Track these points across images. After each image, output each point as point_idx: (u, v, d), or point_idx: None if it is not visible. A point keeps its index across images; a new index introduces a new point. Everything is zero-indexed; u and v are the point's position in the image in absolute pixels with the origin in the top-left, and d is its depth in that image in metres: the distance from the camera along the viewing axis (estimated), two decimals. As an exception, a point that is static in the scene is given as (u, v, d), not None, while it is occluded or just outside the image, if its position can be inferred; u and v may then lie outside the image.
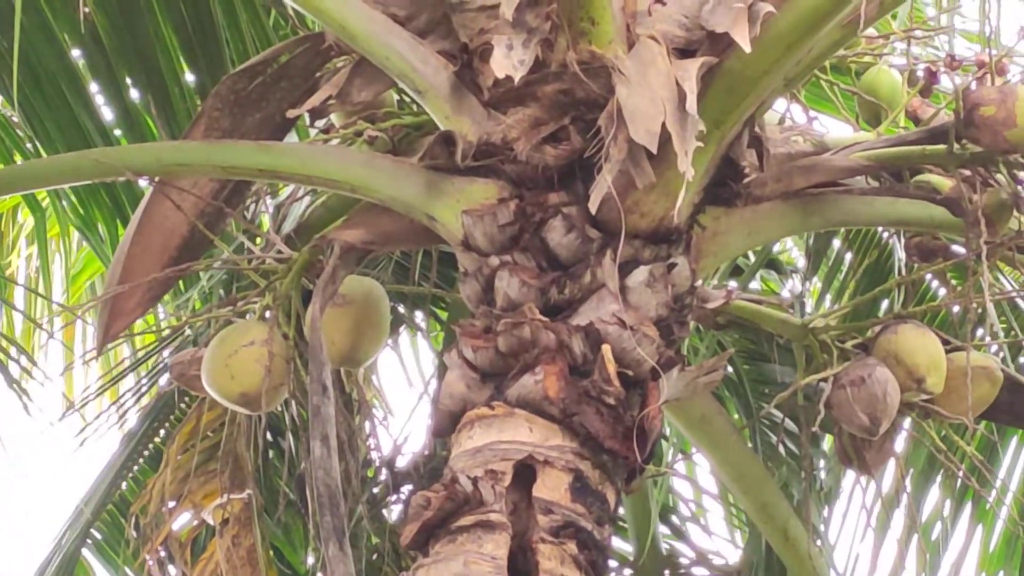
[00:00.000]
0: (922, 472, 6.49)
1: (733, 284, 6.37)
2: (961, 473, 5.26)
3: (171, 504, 5.52)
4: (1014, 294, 5.54)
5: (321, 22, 4.49)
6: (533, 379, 4.06)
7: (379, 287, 4.72)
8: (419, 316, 6.61)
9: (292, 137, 5.15)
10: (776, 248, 6.96)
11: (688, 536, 6.74)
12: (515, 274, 4.19)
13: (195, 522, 5.67)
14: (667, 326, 4.24)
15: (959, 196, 4.51)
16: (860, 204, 4.68)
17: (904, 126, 5.10)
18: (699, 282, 4.44)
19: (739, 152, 4.40)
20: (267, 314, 4.64)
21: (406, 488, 5.97)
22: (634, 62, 4.14)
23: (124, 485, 6.37)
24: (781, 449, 6.27)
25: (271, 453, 6.05)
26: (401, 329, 6.55)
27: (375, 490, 6.03)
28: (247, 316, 4.77)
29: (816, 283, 6.75)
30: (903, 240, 5.44)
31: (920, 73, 5.14)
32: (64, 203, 6.18)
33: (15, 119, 6.11)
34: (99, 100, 5.88)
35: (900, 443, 5.24)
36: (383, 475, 6.02)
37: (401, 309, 6.40)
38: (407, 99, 4.83)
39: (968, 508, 6.63)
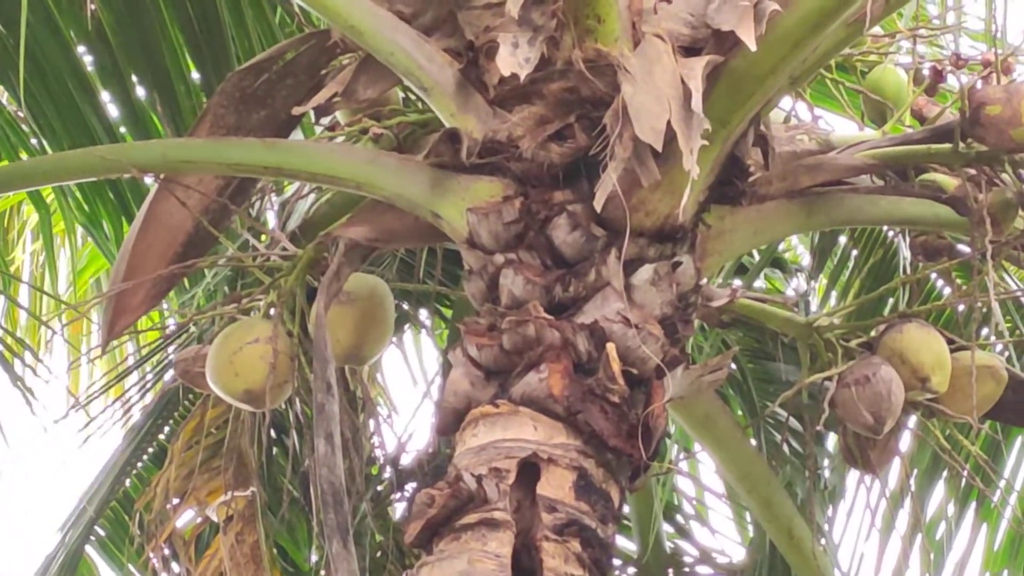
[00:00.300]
0: (926, 471, 6.49)
1: (738, 282, 6.38)
2: (965, 472, 5.26)
3: (175, 501, 5.53)
4: (1019, 293, 5.52)
5: (327, 19, 4.49)
6: (537, 377, 4.05)
7: (384, 284, 4.71)
8: (423, 314, 6.62)
9: (297, 134, 5.15)
10: (781, 247, 6.96)
11: (692, 534, 6.73)
12: (520, 272, 4.18)
13: (199, 519, 5.68)
14: (672, 324, 4.23)
15: (964, 195, 4.50)
16: (865, 203, 4.67)
17: (909, 125, 5.10)
18: (704, 280, 4.43)
19: (744, 150, 4.39)
20: (271, 311, 4.63)
21: (410, 486, 5.99)
22: (640, 60, 4.13)
23: (128, 482, 6.38)
24: (785, 448, 6.26)
25: (275, 450, 6.06)
26: (405, 327, 6.56)
27: (379, 488, 6.04)
28: (252, 313, 4.76)
29: (821, 282, 6.75)
30: (908, 239, 5.45)
31: (926, 72, 5.13)
32: (69, 200, 6.18)
33: (21, 116, 6.11)
34: (105, 97, 5.88)
35: (904, 442, 5.25)
36: (387, 473, 6.04)
37: (405, 307, 6.40)
38: (412, 96, 4.84)
39: (972, 507, 6.63)
